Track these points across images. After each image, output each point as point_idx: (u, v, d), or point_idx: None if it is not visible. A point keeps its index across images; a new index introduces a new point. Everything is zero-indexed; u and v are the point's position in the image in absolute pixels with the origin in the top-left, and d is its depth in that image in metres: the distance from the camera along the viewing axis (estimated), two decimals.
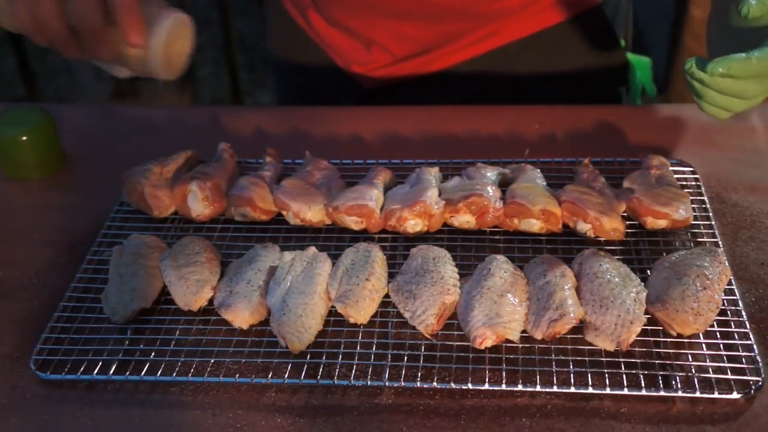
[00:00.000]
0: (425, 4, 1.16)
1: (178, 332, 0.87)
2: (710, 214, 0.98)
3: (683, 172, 1.04)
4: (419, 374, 0.81)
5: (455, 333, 0.85)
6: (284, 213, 1.00)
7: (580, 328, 0.83)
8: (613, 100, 1.33)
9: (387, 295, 0.88)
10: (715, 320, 0.83)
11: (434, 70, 1.26)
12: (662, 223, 0.94)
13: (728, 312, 0.85)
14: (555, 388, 0.78)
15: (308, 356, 0.83)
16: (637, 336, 0.81)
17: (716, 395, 0.77)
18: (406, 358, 0.82)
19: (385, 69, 1.27)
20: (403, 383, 0.80)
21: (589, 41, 1.26)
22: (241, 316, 0.85)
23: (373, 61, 1.26)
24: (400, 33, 1.22)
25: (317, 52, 1.32)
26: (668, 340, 0.83)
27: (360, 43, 1.26)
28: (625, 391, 0.78)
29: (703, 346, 0.82)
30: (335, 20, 1.25)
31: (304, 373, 0.81)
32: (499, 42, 1.23)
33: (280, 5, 1.35)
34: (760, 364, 0.79)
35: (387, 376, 0.81)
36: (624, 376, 0.79)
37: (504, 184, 1.01)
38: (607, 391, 0.78)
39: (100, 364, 0.83)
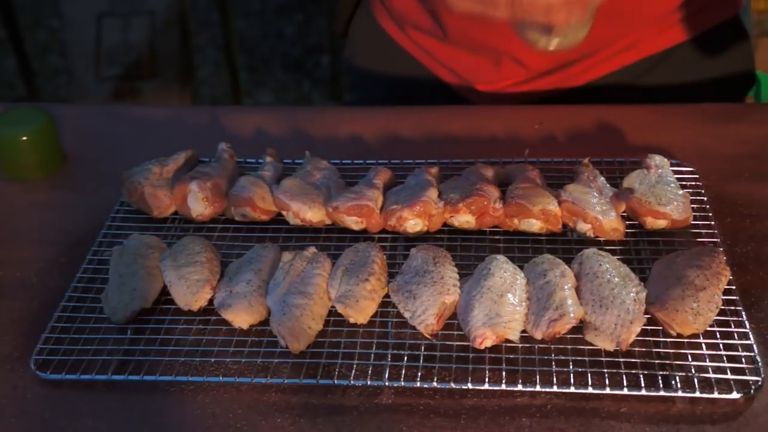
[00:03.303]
0: None
1: (178, 332, 0.87)
2: (710, 214, 0.98)
3: (683, 172, 1.04)
4: (419, 374, 0.81)
5: (455, 333, 0.85)
6: (284, 213, 1.00)
7: (580, 328, 0.83)
8: None
9: (387, 295, 0.88)
10: (715, 320, 0.83)
11: (566, 86, 1.22)
12: (662, 223, 0.94)
13: (728, 312, 0.85)
14: (555, 388, 0.78)
15: (308, 356, 0.83)
16: (637, 336, 0.81)
17: (716, 395, 0.77)
18: (406, 358, 0.82)
19: (518, 86, 1.22)
20: (403, 383, 0.80)
21: (724, 54, 1.23)
22: (241, 316, 0.85)
23: (504, 78, 1.21)
24: None
25: (424, 72, 1.28)
26: (668, 340, 0.83)
27: (488, 59, 1.20)
28: (625, 391, 0.78)
29: (703, 346, 0.82)
30: (462, 36, 1.19)
31: (304, 373, 0.81)
32: (635, 57, 1.20)
33: (376, 28, 1.31)
34: (760, 364, 0.79)
35: (387, 376, 0.81)
36: (624, 376, 0.79)
37: (504, 184, 1.01)
38: (607, 391, 0.78)
39: (100, 364, 0.84)
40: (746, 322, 0.84)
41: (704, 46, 1.21)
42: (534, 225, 0.95)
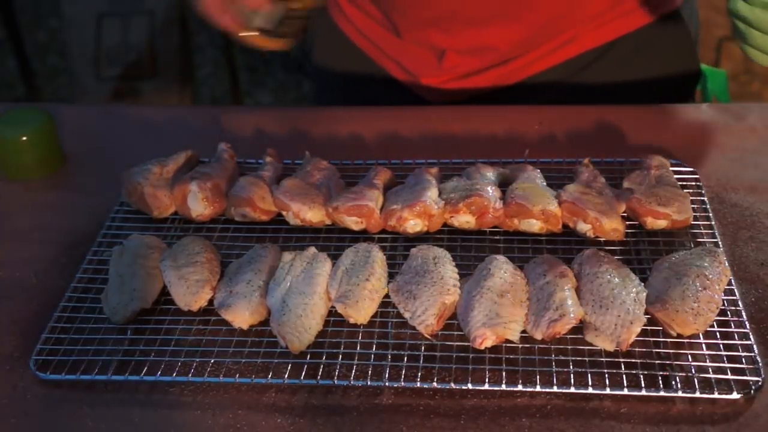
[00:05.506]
0: (511, 7, 1.13)
1: (178, 332, 0.87)
2: (710, 215, 0.98)
3: (683, 173, 1.04)
4: (419, 374, 0.81)
5: (455, 333, 0.85)
6: (284, 213, 1.00)
7: (580, 328, 0.83)
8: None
9: (387, 295, 0.88)
10: (715, 320, 0.83)
11: (507, 83, 1.23)
12: (662, 224, 0.94)
13: (728, 312, 0.85)
14: (555, 389, 0.78)
15: (308, 356, 0.83)
16: (637, 336, 0.81)
17: (716, 395, 0.77)
18: (406, 358, 0.82)
19: (460, 81, 1.23)
20: (403, 383, 0.80)
21: (665, 49, 1.24)
22: (241, 317, 0.85)
23: (446, 72, 1.23)
24: (480, 41, 1.18)
25: (374, 67, 1.30)
26: (668, 340, 0.82)
27: (432, 53, 1.22)
28: (625, 392, 0.78)
29: (703, 346, 0.82)
30: (410, 32, 1.21)
31: (304, 373, 0.81)
32: (575, 51, 1.21)
33: (328, 18, 1.33)
34: (760, 364, 0.79)
35: (387, 376, 0.80)
36: (624, 376, 0.79)
37: (504, 184, 1.01)
38: (607, 391, 0.78)
39: (100, 364, 0.83)
40: (746, 322, 0.84)
41: (644, 42, 1.22)
42: (534, 225, 0.95)
